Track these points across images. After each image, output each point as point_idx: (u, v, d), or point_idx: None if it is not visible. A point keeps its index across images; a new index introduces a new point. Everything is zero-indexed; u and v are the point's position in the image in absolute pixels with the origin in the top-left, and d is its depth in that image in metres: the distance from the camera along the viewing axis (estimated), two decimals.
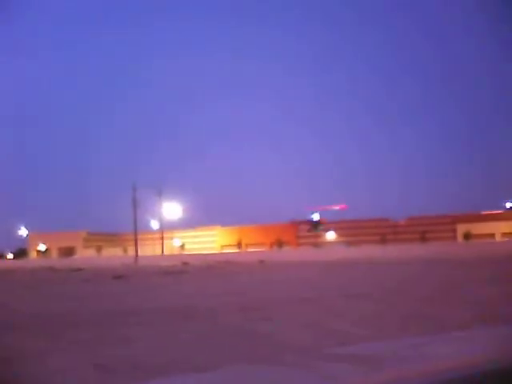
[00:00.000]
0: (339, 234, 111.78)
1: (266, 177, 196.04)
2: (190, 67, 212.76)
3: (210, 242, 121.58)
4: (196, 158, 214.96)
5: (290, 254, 64.78)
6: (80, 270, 48.82)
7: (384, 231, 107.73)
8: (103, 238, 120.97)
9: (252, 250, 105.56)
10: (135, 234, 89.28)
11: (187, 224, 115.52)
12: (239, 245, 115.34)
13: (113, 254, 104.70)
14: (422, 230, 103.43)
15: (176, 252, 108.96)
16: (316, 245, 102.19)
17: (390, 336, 10.93)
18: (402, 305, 14.69)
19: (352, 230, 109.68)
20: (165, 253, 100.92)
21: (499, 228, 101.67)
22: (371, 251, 59.04)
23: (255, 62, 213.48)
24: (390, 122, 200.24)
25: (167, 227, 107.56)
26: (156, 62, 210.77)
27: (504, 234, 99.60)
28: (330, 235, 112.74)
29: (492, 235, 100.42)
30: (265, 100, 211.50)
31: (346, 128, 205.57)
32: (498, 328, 11.63)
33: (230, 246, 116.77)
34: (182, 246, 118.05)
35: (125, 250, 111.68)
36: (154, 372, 8.18)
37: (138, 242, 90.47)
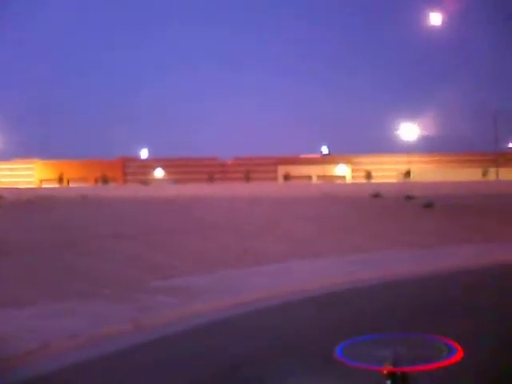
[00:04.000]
0: (168, 172, 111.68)
1: (92, 111, 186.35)
2: None
3: (27, 175, 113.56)
4: (12, 83, 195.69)
5: (115, 190, 63.53)
6: None
7: (212, 170, 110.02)
8: None
9: (75, 185, 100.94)
10: None
11: (1, 156, 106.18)
12: (60, 179, 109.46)
13: None
14: (247, 169, 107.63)
15: None
16: (144, 182, 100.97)
17: (211, 269, 11.43)
18: (224, 240, 15.36)
19: (181, 167, 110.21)
20: None
21: (315, 171, 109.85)
22: (198, 189, 60.38)
23: None
24: (222, 64, 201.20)
25: None
26: None
27: (319, 177, 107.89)
28: (158, 173, 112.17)
29: (309, 177, 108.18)
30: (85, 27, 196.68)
31: (171, 68, 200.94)
32: (307, 260, 12.82)
33: (50, 180, 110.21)
34: None
35: None
36: None
37: None
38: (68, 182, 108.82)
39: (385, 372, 3.79)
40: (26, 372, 5.66)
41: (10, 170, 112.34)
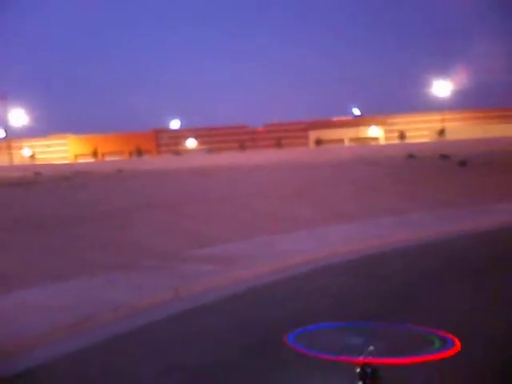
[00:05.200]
0: (200, 142, 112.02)
1: (123, 84, 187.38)
2: None
3: (63, 151, 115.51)
4: (46, 62, 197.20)
5: (149, 162, 64.24)
6: None
7: (243, 138, 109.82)
8: None
9: (109, 159, 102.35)
10: None
11: (37, 132, 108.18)
12: (95, 154, 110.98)
13: None
14: (278, 136, 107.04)
15: (26, 162, 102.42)
16: (177, 153, 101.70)
17: (247, 236, 11.54)
18: (259, 207, 15.45)
19: (212, 137, 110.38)
20: (14, 163, 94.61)
21: (347, 134, 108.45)
22: (230, 157, 60.63)
23: None
24: (247, 29, 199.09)
25: (15, 136, 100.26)
26: None
27: (351, 140, 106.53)
28: (191, 143, 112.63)
29: (341, 140, 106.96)
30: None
31: (199, 36, 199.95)
32: (341, 225, 12.82)
33: (85, 155, 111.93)
34: (33, 156, 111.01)
35: None
36: (12, 283, 7.94)
37: None
38: (103, 156, 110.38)
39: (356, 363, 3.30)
40: (71, 344, 5.86)
41: (47, 146, 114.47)
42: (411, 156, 32.98)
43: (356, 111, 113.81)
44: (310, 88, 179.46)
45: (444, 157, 29.02)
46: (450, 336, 3.50)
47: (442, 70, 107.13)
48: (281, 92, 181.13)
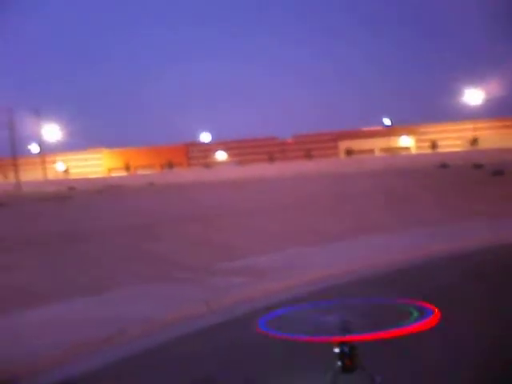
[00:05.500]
0: (230, 154, 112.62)
1: (151, 98, 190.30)
2: None
3: (96, 165, 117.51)
4: (79, 77, 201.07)
5: (180, 175, 64.78)
6: None
7: (272, 150, 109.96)
8: None
9: (141, 172, 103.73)
10: (14, 158, 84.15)
11: (70, 147, 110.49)
12: (127, 167, 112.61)
13: None
14: (307, 147, 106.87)
15: (60, 177, 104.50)
16: (207, 165, 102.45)
17: (278, 249, 11.50)
18: (290, 219, 15.40)
19: (241, 149, 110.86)
20: (48, 178, 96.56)
21: (378, 144, 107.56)
22: (260, 169, 60.75)
23: None
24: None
25: (49, 150, 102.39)
26: None
27: (382, 150, 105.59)
28: (221, 155, 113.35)
29: (371, 151, 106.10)
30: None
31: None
32: (373, 236, 12.67)
33: (117, 169, 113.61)
34: (67, 171, 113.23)
35: (5, 177, 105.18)
36: (43, 297, 8.06)
37: (18, 168, 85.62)
38: (135, 170, 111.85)
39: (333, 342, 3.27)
40: (95, 361, 5.85)
41: (80, 160, 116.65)
42: (444, 165, 32.54)
43: (386, 121, 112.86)
44: (339, 98, 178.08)
45: (477, 166, 28.53)
46: (428, 305, 3.36)
47: (474, 78, 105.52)
48: (309, 103, 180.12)
